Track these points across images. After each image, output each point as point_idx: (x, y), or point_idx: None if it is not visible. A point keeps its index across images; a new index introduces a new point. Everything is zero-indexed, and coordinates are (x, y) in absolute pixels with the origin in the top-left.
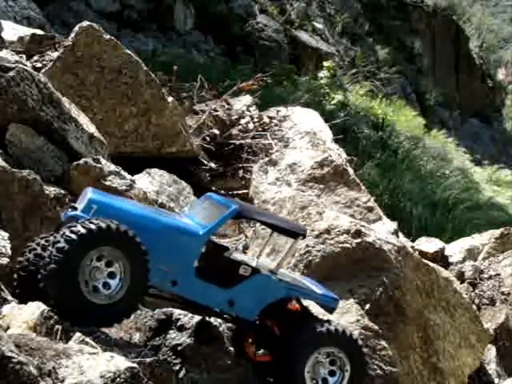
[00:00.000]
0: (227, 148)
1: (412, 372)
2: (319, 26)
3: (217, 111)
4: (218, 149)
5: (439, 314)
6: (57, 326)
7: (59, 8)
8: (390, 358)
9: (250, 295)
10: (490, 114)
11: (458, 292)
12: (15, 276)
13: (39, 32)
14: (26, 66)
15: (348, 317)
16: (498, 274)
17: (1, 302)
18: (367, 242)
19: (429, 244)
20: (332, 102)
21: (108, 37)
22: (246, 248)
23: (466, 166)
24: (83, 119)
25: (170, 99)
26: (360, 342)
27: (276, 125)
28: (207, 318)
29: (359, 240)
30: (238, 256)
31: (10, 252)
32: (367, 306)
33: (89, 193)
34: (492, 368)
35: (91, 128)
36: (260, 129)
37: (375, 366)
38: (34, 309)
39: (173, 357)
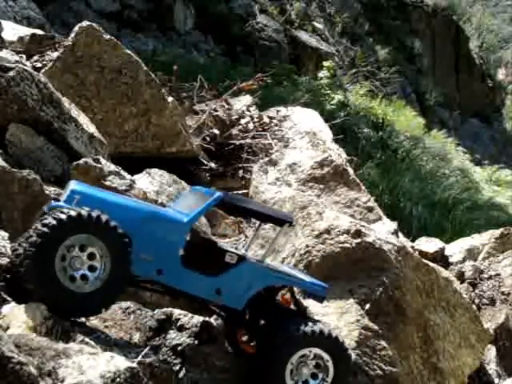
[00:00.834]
0: (227, 148)
1: (412, 372)
2: (319, 25)
3: (217, 111)
4: (217, 149)
5: (439, 314)
6: (57, 326)
7: (59, 8)
8: (390, 358)
9: (237, 283)
10: (490, 114)
11: (458, 292)
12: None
13: (39, 32)
14: (26, 65)
15: (348, 317)
16: (498, 274)
17: (1, 302)
18: (367, 242)
19: (429, 244)
20: (332, 102)
21: (108, 37)
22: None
23: (466, 166)
24: (83, 119)
25: (170, 99)
26: (345, 345)
27: (276, 125)
28: (207, 318)
29: (359, 240)
30: (223, 245)
31: (10, 252)
32: (367, 306)
33: (71, 184)
34: (492, 368)
35: (91, 128)
36: (260, 129)
37: (375, 366)
38: (34, 309)
39: (173, 357)
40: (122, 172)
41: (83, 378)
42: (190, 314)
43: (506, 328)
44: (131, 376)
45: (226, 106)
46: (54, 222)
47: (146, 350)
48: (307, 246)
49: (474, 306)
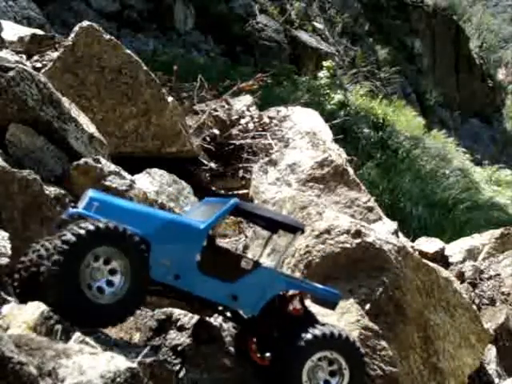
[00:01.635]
0: (227, 148)
1: (412, 372)
2: (319, 25)
3: (217, 111)
4: (217, 149)
5: (439, 314)
6: (57, 326)
7: (59, 8)
8: (390, 358)
9: (253, 289)
10: (490, 113)
11: (458, 292)
12: (16, 276)
13: (39, 32)
14: (26, 65)
15: (348, 317)
16: (498, 274)
17: (1, 302)
18: (367, 242)
19: (429, 244)
20: (332, 102)
21: (108, 37)
22: (245, 248)
23: (466, 166)
24: (83, 119)
25: (170, 99)
26: (358, 344)
27: (276, 125)
28: (207, 318)
29: (359, 240)
30: (239, 251)
31: (9, 252)
32: (367, 306)
33: (90, 192)
34: (492, 368)
35: (91, 128)
36: (260, 129)
37: (375, 366)
38: (34, 309)
39: (173, 357)
40: (122, 172)
41: (83, 378)
42: (190, 314)
43: (506, 328)
44: (131, 376)
45: (226, 106)
46: (74, 238)
47: (146, 350)
48: (307, 246)
49: (474, 306)
